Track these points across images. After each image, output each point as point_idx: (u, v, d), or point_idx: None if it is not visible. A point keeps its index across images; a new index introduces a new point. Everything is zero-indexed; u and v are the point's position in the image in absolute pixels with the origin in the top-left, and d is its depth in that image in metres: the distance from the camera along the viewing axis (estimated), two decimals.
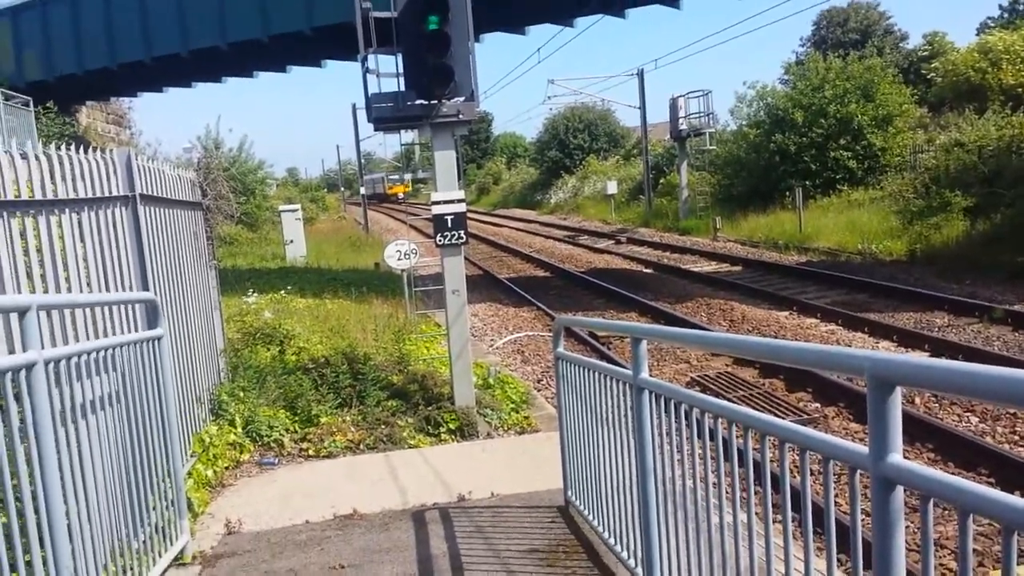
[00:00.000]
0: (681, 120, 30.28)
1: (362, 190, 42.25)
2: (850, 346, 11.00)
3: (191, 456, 6.24)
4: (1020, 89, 32.27)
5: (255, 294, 12.28)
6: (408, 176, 79.87)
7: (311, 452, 7.22)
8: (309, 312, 12.96)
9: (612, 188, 37.17)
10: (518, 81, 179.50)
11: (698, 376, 9.93)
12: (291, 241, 24.66)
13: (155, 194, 6.02)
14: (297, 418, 7.73)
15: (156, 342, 4.69)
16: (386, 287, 15.99)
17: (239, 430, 7.25)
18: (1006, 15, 45.40)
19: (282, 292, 14.10)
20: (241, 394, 7.68)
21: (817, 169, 25.41)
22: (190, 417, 6.48)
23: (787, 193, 24.34)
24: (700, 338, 3.12)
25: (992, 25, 43.87)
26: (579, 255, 25.25)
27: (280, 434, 7.42)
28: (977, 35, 41.95)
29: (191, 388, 6.62)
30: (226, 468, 6.70)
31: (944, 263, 15.99)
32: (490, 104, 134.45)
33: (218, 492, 6.28)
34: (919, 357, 1.64)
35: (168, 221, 6.40)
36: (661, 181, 36.48)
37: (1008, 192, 16.75)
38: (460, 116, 7.32)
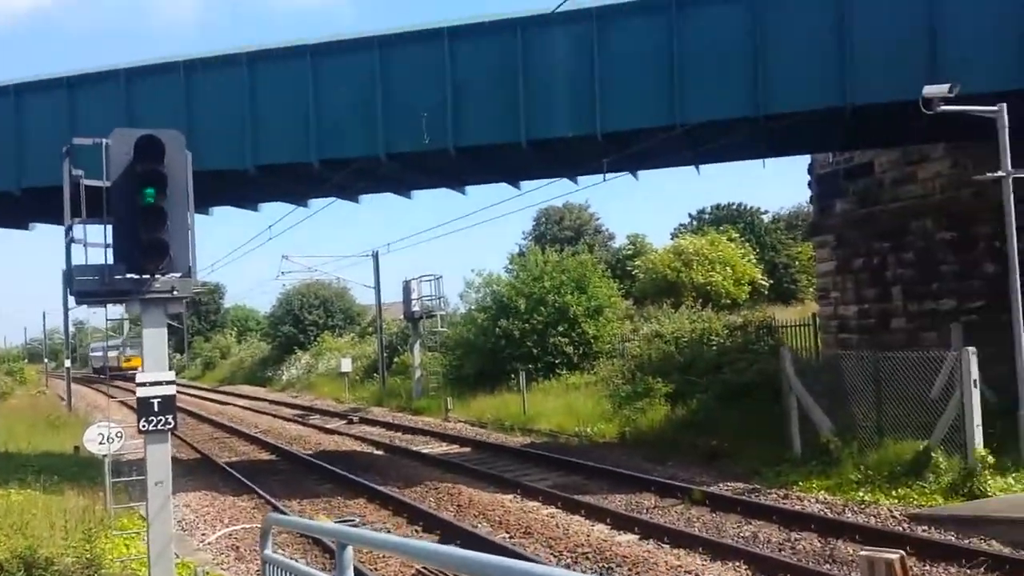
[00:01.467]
0: (414, 302, 31.14)
1: (67, 363, 38.25)
2: (568, 529, 11.34)
3: None
4: (708, 287, 37.15)
5: None
6: None
7: None
8: None
9: (347, 366, 36.79)
10: (253, 253, 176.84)
11: (423, 567, 9.64)
12: None
13: None
14: None
15: None
16: (84, 475, 14.37)
17: None
18: (695, 222, 52.66)
19: None
20: None
21: (538, 353, 26.90)
22: None
23: (512, 375, 25.44)
24: (403, 547, 3.02)
25: (684, 230, 50.71)
26: (309, 436, 24.35)
27: None
28: (672, 238, 48.14)
29: None
30: None
31: (649, 445, 17.24)
32: (221, 275, 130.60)
33: None
34: None
35: None
36: (396, 360, 36.78)
37: (700, 380, 18.76)
38: (175, 292, 6.98)
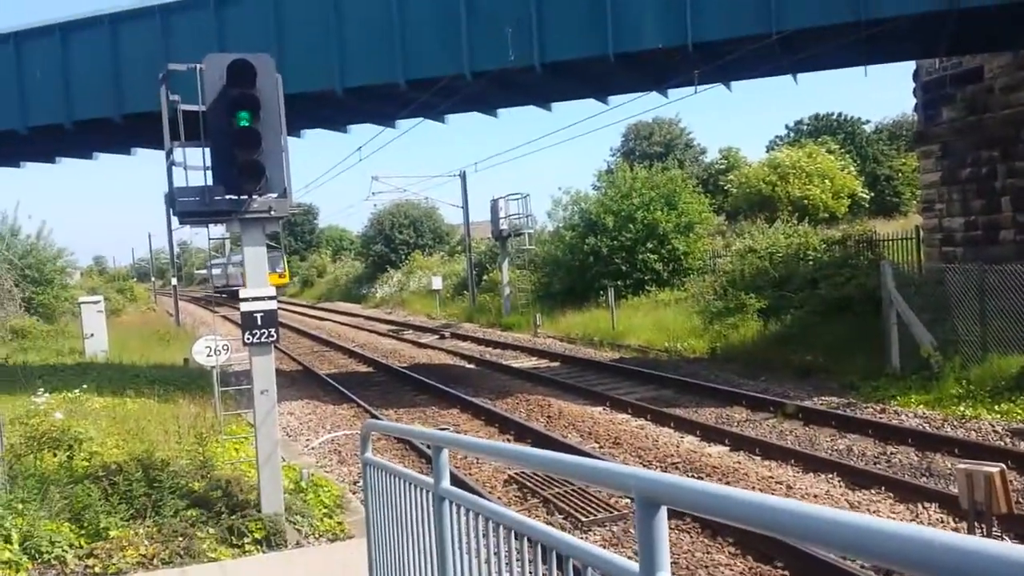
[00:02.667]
0: (502, 220, 31.27)
1: (173, 281, 40.16)
2: (657, 440, 11.48)
3: None
4: (805, 200, 35.98)
5: (46, 393, 11.23)
6: (282, 266, 52.39)
7: (98, 569, 6.64)
8: (107, 412, 12.07)
9: (437, 283, 37.54)
10: (344, 175, 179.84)
11: (517, 473, 9.96)
12: (91, 335, 23.01)
13: None
14: (84, 532, 7.07)
15: None
16: (194, 385, 15.17)
17: (15, 547, 6.60)
18: (792, 134, 50.71)
19: (78, 391, 13.04)
20: (20, 507, 7.00)
21: (627, 270, 26.80)
22: None
23: (601, 292, 25.47)
24: (495, 449, 3.14)
25: (780, 143, 48.94)
26: (403, 350, 25.08)
27: (63, 550, 6.75)
28: (767, 151, 46.56)
29: None
30: None
31: (741, 361, 17.11)
32: (315, 196, 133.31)
33: None
34: (683, 478, 1.72)
35: None
36: (484, 278, 37.26)
37: (795, 295, 18.35)
38: (272, 212, 7.20)
